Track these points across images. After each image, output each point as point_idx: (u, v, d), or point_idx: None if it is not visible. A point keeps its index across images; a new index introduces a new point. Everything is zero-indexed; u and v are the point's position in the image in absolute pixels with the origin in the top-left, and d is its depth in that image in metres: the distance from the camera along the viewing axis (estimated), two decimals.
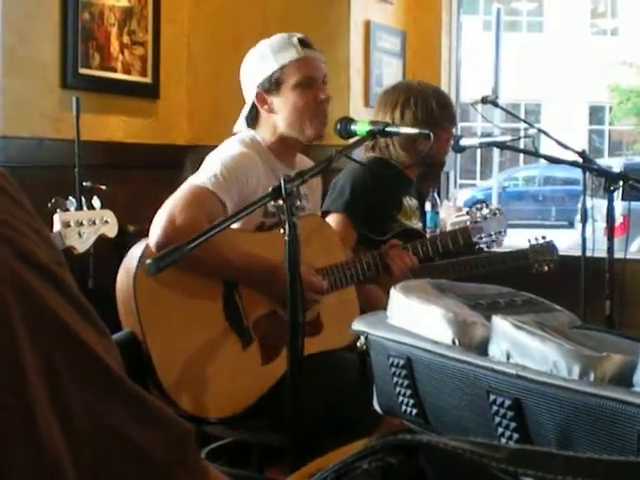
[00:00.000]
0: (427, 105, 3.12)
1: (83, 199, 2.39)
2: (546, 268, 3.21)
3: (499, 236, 3.08)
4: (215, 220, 2.37)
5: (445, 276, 2.96)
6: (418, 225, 3.24)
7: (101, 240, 2.42)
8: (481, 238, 3.01)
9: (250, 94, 2.67)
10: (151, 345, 2.33)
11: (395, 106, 3.17)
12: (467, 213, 3.05)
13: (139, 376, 2.33)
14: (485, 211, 3.03)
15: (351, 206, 2.98)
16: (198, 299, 2.43)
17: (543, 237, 3.27)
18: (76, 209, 2.35)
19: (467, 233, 2.95)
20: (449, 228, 3.06)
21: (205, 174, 2.47)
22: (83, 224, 2.34)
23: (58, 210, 2.30)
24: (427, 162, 3.19)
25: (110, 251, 2.59)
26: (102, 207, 2.42)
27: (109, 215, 2.42)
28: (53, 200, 2.31)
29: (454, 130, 3.30)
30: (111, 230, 2.42)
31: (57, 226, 2.30)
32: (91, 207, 2.39)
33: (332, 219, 2.96)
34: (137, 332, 2.34)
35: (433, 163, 3.26)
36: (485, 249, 3.07)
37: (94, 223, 2.36)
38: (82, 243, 2.34)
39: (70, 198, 2.35)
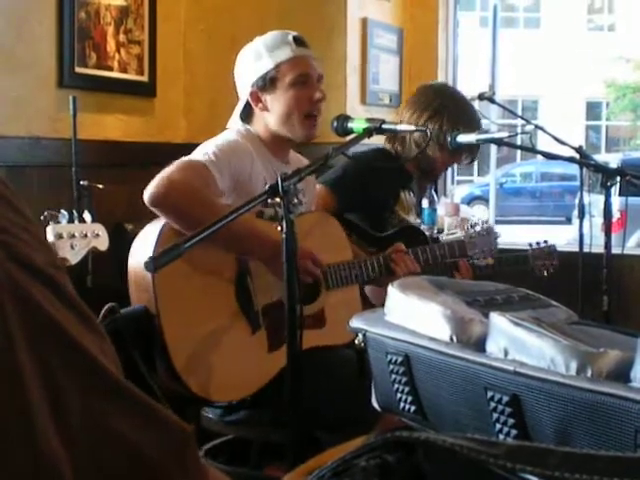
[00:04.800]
0: (455, 124, 3.10)
1: (75, 212, 2.41)
2: (545, 273, 3.23)
3: (489, 254, 3.12)
4: (211, 189, 2.40)
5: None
6: (416, 222, 3.26)
7: (92, 253, 2.46)
8: (475, 253, 3.05)
9: (244, 92, 2.68)
10: (165, 322, 2.35)
11: (425, 109, 3.15)
12: (462, 229, 3.09)
13: (147, 351, 2.35)
14: (479, 228, 3.07)
15: (340, 183, 3.00)
16: (212, 279, 2.45)
17: (545, 241, 3.29)
18: (68, 222, 2.38)
19: (463, 247, 3.00)
20: (447, 241, 3.09)
21: (198, 153, 2.51)
22: (75, 236, 2.38)
23: (51, 222, 2.33)
24: (424, 168, 3.22)
25: (108, 250, 2.60)
26: (93, 221, 2.46)
27: (100, 229, 2.46)
28: (46, 213, 2.34)
29: (466, 160, 3.30)
30: (102, 244, 2.46)
31: (50, 237, 2.33)
32: (82, 220, 2.42)
33: (319, 189, 3.00)
34: (151, 308, 2.35)
35: (429, 172, 3.29)
36: (476, 263, 3.11)
37: (86, 236, 2.40)
38: (74, 255, 2.37)
39: (62, 211, 2.38)
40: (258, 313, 2.50)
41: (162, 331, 2.34)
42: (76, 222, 2.41)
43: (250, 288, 2.50)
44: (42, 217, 2.34)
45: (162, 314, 2.35)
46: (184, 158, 2.48)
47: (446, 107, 3.14)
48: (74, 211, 2.43)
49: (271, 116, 2.65)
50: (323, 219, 2.75)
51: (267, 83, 2.62)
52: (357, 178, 3.04)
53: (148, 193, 2.36)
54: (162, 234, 2.38)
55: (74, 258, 2.38)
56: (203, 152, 2.50)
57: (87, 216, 2.45)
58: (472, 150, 3.23)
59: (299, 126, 2.63)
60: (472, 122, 3.17)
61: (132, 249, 2.47)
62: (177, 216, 2.36)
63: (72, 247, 2.37)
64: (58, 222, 2.36)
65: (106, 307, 2.25)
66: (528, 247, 3.29)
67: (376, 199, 3.09)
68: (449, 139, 3.02)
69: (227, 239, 2.41)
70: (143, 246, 2.43)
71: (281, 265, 2.43)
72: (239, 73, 2.71)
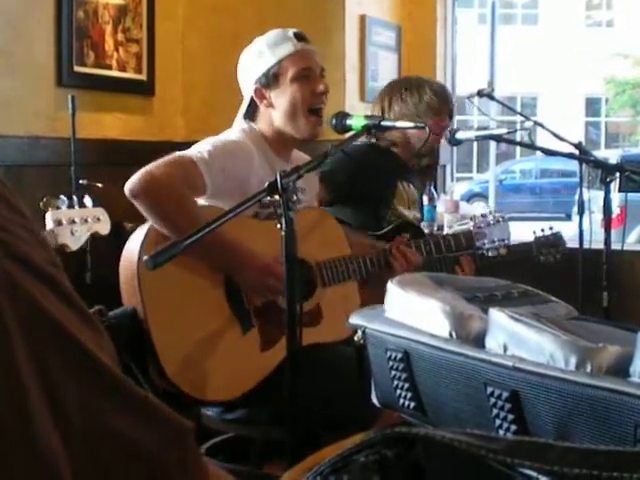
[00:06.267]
0: (420, 95, 3.15)
1: (75, 198, 2.40)
2: (552, 259, 3.17)
3: (502, 244, 3.06)
4: (192, 188, 2.42)
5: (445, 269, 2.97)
6: (416, 216, 3.24)
7: (94, 238, 2.44)
8: (484, 244, 3.00)
9: (248, 90, 2.68)
10: (153, 325, 2.35)
11: (385, 99, 3.21)
12: (471, 219, 3.04)
13: (139, 354, 2.35)
14: (490, 218, 3.03)
15: (329, 176, 3.00)
16: (201, 281, 2.45)
17: (550, 228, 3.22)
18: (68, 207, 2.36)
19: (470, 237, 2.95)
20: (451, 231, 3.05)
21: (194, 149, 2.51)
22: (75, 222, 2.35)
23: (50, 209, 2.32)
24: (422, 152, 3.20)
25: (107, 247, 2.60)
26: (94, 205, 2.44)
27: (101, 212, 2.44)
28: (44, 199, 2.33)
29: (448, 120, 3.28)
30: (104, 227, 2.44)
31: (49, 224, 2.31)
32: (83, 205, 2.40)
33: None
34: (139, 311, 2.36)
35: (427, 151, 3.26)
36: (487, 255, 3.05)
37: (86, 221, 2.38)
38: (75, 241, 2.35)
39: (61, 197, 2.36)
40: (249, 312, 2.50)
41: (150, 335, 2.34)
42: (76, 207, 2.39)
43: (240, 287, 2.49)
44: (41, 203, 2.32)
45: (149, 318, 2.35)
46: (175, 153, 2.49)
47: (404, 87, 3.21)
48: (74, 196, 2.42)
49: (276, 112, 2.65)
50: (319, 215, 2.75)
51: (270, 79, 2.62)
52: (346, 172, 3.05)
53: (129, 185, 2.39)
54: (147, 235, 2.40)
55: (75, 244, 2.36)
56: (198, 149, 2.50)
57: (88, 201, 2.43)
58: (447, 106, 3.22)
59: (304, 122, 2.63)
60: (436, 87, 3.24)
61: (122, 255, 2.47)
62: (151, 212, 2.39)
63: (72, 233, 2.35)
64: (58, 208, 2.34)
65: (94, 310, 2.23)
66: (532, 236, 3.22)
67: (369, 193, 3.08)
68: (448, 136, 3.02)
69: (207, 254, 2.43)
70: (130, 251, 2.44)
71: (245, 276, 2.45)
72: (242, 72, 2.71)
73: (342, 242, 2.72)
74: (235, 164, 2.51)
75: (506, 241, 3.08)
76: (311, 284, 2.59)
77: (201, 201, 2.49)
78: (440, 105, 3.19)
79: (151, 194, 2.37)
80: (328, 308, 2.62)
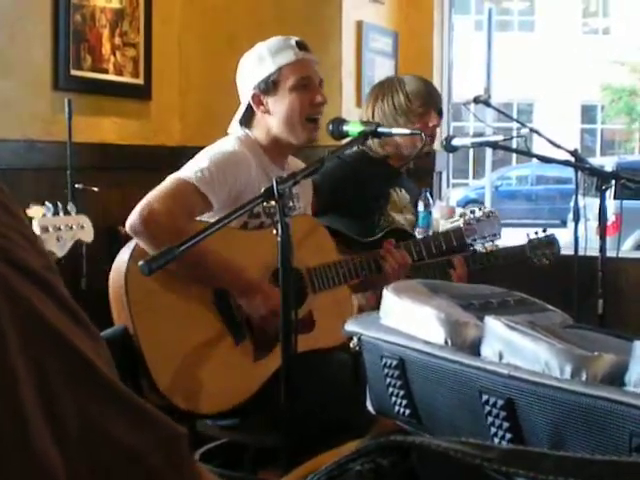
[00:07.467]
0: (395, 103, 3.10)
1: (59, 204, 2.40)
2: (546, 261, 3.15)
3: (493, 238, 3.05)
4: (195, 215, 2.41)
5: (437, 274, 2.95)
6: (409, 218, 3.23)
7: (78, 245, 2.45)
8: (475, 240, 2.98)
9: (246, 95, 2.67)
10: (143, 341, 2.34)
11: (367, 105, 3.19)
12: (460, 216, 3.02)
13: (131, 371, 2.34)
14: (478, 213, 3.01)
15: (318, 185, 2.96)
16: (190, 294, 2.44)
17: (544, 230, 3.21)
18: (53, 214, 2.37)
19: (460, 234, 2.94)
20: (443, 230, 3.04)
21: (193, 168, 2.49)
22: (61, 229, 2.36)
23: (36, 215, 2.32)
24: (409, 154, 3.16)
25: (102, 252, 2.60)
26: (77, 212, 2.44)
27: (85, 220, 2.45)
28: (30, 206, 2.33)
29: (437, 116, 3.18)
30: (87, 235, 2.45)
31: (36, 231, 2.31)
32: (67, 212, 2.41)
33: None
34: (129, 327, 2.35)
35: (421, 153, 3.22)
36: (478, 251, 3.04)
37: (71, 228, 2.39)
38: (60, 248, 2.36)
39: (46, 203, 2.37)
40: (242, 323, 2.49)
41: (141, 351, 2.34)
42: (61, 214, 2.40)
43: (231, 299, 2.49)
44: (27, 210, 2.32)
45: (139, 333, 2.34)
46: (174, 177, 2.47)
47: (380, 92, 3.15)
48: (58, 203, 2.42)
49: (273, 119, 2.64)
50: (308, 222, 2.74)
51: (269, 86, 2.61)
52: (336, 180, 3.03)
53: (129, 222, 2.38)
54: (134, 251, 2.39)
55: (60, 251, 2.37)
56: (196, 168, 2.47)
57: (71, 207, 2.43)
58: (430, 104, 3.14)
59: (301, 129, 2.62)
60: (414, 85, 3.14)
61: (111, 270, 2.46)
62: (152, 248, 2.35)
63: (58, 240, 2.35)
64: (43, 215, 2.35)
65: None
66: (526, 239, 3.19)
67: (360, 201, 3.07)
68: (444, 143, 3.02)
69: (200, 273, 2.43)
70: (118, 266, 2.42)
71: (250, 302, 2.45)
72: (241, 77, 2.70)
73: (330, 247, 2.71)
74: (236, 175, 2.51)
75: (497, 236, 3.06)
76: (302, 291, 2.58)
77: (206, 217, 2.47)
78: (419, 108, 3.10)
79: (152, 233, 2.36)
80: (320, 314, 2.61)
